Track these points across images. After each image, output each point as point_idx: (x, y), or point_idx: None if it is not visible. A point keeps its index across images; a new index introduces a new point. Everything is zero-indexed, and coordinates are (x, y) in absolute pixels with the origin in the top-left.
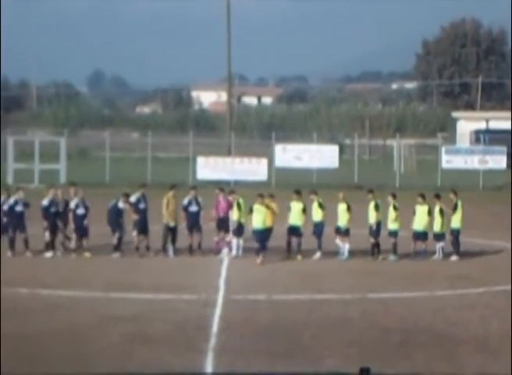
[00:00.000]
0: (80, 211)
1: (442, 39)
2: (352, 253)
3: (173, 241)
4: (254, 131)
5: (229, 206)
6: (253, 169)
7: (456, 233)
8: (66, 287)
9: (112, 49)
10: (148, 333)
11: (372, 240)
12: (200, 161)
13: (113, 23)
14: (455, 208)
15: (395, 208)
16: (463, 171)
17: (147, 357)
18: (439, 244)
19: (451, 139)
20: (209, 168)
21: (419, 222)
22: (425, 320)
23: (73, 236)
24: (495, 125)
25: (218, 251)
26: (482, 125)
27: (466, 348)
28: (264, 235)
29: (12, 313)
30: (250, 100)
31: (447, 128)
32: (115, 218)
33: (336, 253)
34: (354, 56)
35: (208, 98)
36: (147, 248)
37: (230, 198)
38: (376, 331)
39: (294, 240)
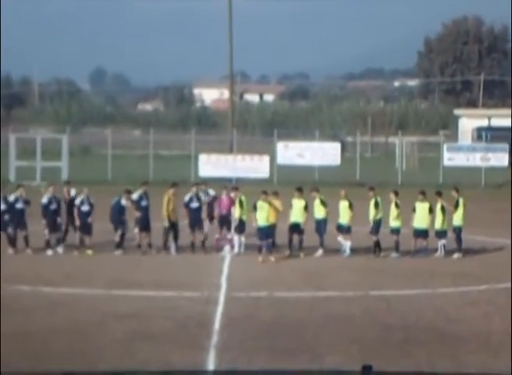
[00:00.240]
0: (85, 208)
1: (445, 37)
2: (354, 250)
3: (175, 238)
4: (256, 128)
5: (231, 203)
6: (255, 167)
7: (458, 231)
8: (68, 284)
9: (114, 46)
10: (150, 330)
11: (373, 237)
12: (202, 158)
13: (115, 21)
14: (457, 206)
15: (397, 205)
16: (465, 168)
17: (149, 354)
18: (441, 242)
19: (453, 136)
20: (211, 165)
21: (419, 219)
22: (427, 318)
23: (77, 233)
24: (497, 122)
25: (219, 249)
26: (484, 122)
27: (468, 346)
28: (269, 232)
29: (15, 311)
30: (252, 97)
31: (449, 125)
32: (118, 215)
33: (337, 250)
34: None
35: (209, 96)
36: (149, 245)
37: (232, 194)
38: (378, 328)
39: (296, 237)
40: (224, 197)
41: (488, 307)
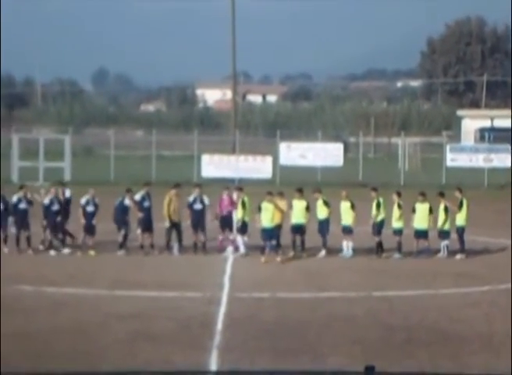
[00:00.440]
0: (90, 208)
1: (447, 37)
2: (356, 251)
3: (179, 239)
4: (259, 129)
5: (233, 204)
6: (257, 167)
7: (460, 231)
8: (71, 284)
9: (117, 47)
10: (153, 330)
11: (376, 238)
12: (205, 159)
13: (117, 21)
14: (460, 206)
15: (399, 206)
16: (467, 169)
17: (152, 354)
18: (444, 242)
19: (456, 137)
20: (214, 166)
21: (420, 220)
22: (430, 318)
23: (81, 233)
24: (499, 123)
25: (222, 250)
26: (487, 123)
27: (470, 346)
28: (273, 233)
29: (17, 311)
30: (255, 98)
31: (452, 126)
32: (121, 215)
33: (340, 251)
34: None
35: (212, 96)
36: (152, 246)
37: (235, 195)
38: (381, 329)
39: (298, 238)
40: (225, 197)
41: (491, 308)
